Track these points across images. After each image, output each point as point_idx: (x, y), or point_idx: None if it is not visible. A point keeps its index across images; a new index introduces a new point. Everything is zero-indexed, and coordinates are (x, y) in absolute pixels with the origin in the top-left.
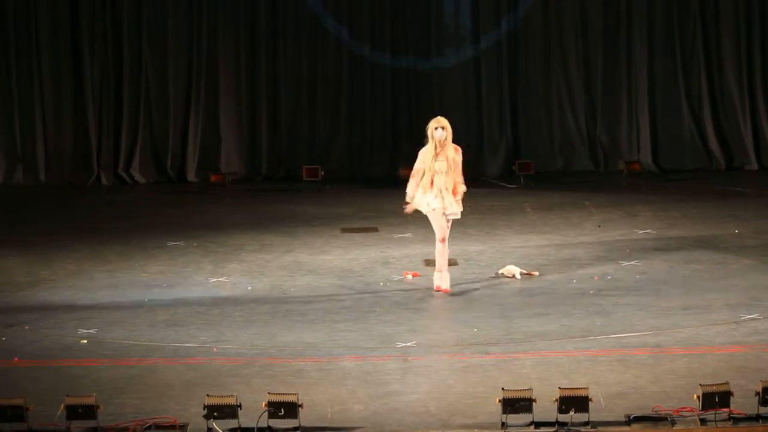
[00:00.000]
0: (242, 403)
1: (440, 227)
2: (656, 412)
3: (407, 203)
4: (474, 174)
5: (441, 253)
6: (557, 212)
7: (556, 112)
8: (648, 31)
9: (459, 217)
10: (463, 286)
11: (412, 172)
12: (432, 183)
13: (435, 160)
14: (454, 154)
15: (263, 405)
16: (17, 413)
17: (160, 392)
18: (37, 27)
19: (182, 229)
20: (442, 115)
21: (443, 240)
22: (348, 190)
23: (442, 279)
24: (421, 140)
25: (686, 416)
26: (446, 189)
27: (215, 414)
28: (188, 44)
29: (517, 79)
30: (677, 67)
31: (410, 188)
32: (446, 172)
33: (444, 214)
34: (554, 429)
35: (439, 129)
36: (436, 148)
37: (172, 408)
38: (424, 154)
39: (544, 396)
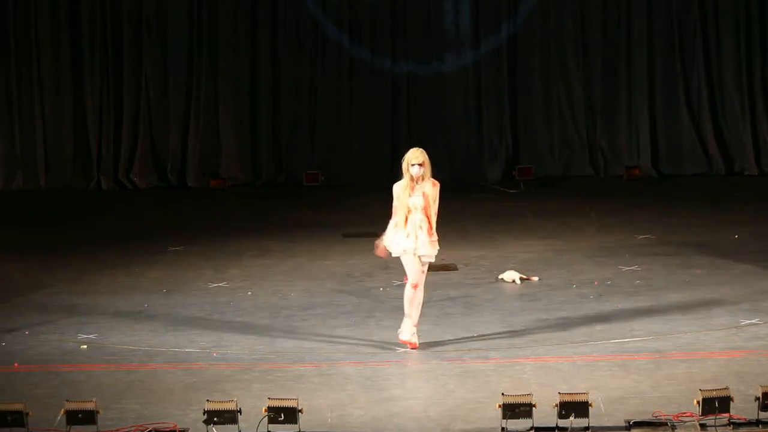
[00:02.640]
0: (242, 408)
1: (413, 270)
2: (656, 417)
3: (377, 245)
4: (474, 179)
5: (411, 299)
6: (557, 217)
7: (556, 117)
8: (648, 36)
9: (433, 260)
10: (463, 291)
11: (393, 211)
12: (406, 221)
13: (410, 196)
14: (432, 189)
15: (263, 410)
16: (17, 418)
17: (160, 397)
18: (36, 32)
19: (182, 234)
20: (443, 118)
21: (416, 285)
22: (348, 195)
23: (405, 329)
24: (419, 143)
25: (686, 421)
26: (420, 228)
27: (215, 419)
28: (188, 49)
29: (517, 83)
30: (677, 72)
31: (389, 229)
32: (423, 209)
33: (416, 255)
34: None
35: (416, 166)
36: (412, 182)
37: (172, 413)
38: (399, 189)
39: (544, 401)
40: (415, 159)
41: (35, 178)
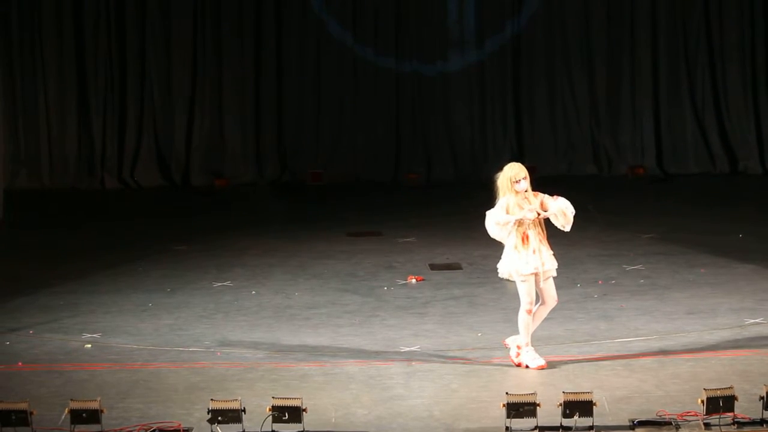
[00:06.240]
0: (246, 408)
1: (531, 295)
2: (660, 416)
3: (511, 221)
4: (478, 178)
5: (527, 325)
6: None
7: (560, 116)
8: (652, 35)
9: (555, 274)
10: (468, 290)
11: (499, 219)
12: (526, 239)
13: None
14: (534, 199)
15: (267, 409)
16: (21, 417)
17: (164, 396)
18: (41, 30)
19: (186, 234)
20: (447, 117)
21: (530, 311)
22: (352, 194)
23: (528, 355)
24: (424, 142)
25: (690, 420)
26: (540, 242)
27: (219, 418)
28: (192, 48)
29: (521, 82)
30: (681, 71)
31: (495, 221)
32: (537, 223)
33: (543, 272)
34: None
35: (521, 181)
36: (518, 197)
37: (176, 412)
38: (508, 208)
39: (549, 400)
40: (519, 174)
41: (39, 177)
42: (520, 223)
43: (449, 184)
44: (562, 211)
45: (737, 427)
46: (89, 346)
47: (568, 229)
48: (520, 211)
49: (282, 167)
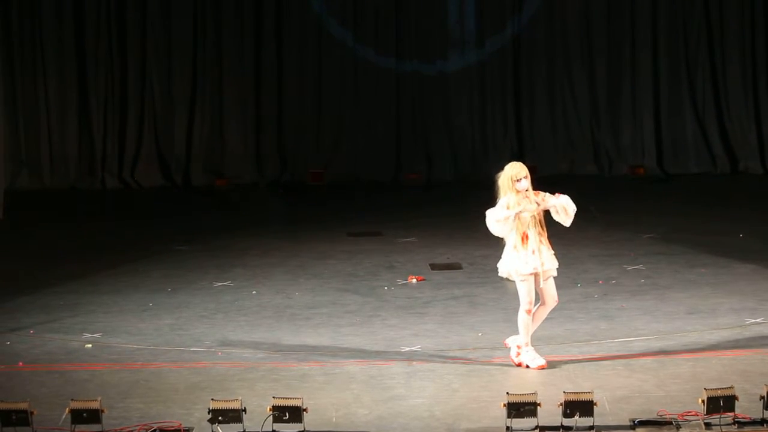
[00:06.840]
0: (247, 408)
1: (530, 295)
2: (661, 416)
3: (511, 215)
4: (478, 178)
5: (526, 326)
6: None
7: (561, 116)
8: (652, 35)
9: (556, 273)
10: (468, 290)
11: (499, 216)
12: (526, 239)
13: (523, 212)
14: (536, 198)
15: (268, 409)
16: (22, 417)
17: (164, 396)
18: (41, 30)
19: (187, 234)
20: (447, 117)
21: (529, 311)
22: (353, 194)
23: (528, 355)
24: (424, 142)
25: (691, 420)
26: (541, 242)
27: (220, 418)
28: (193, 47)
29: (521, 83)
30: (681, 71)
31: (495, 218)
32: (537, 222)
33: (543, 272)
34: None
35: (522, 180)
36: (519, 197)
37: (176, 412)
38: (509, 208)
39: (549, 400)
40: (520, 173)
41: (39, 177)
42: (520, 219)
43: (449, 184)
44: (563, 207)
45: (738, 427)
46: (90, 346)
47: (568, 224)
48: (521, 210)
49: (282, 167)
